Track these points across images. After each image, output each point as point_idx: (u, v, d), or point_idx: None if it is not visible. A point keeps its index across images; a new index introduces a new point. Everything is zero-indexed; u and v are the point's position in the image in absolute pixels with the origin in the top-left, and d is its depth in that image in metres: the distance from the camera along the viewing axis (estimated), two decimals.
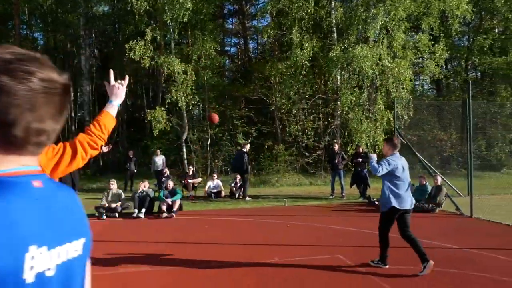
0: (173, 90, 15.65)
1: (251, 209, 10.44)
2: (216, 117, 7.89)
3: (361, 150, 12.74)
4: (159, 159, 15.76)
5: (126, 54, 15.48)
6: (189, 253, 5.93)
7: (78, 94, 26.87)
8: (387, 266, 5.01)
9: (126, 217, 9.25)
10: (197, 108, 19.53)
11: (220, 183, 13.41)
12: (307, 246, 6.24)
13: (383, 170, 4.86)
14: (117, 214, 9.32)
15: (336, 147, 12.97)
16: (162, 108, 15.81)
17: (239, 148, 16.05)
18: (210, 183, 13.30)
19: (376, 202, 11.17)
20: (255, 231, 7.49)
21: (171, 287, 4.49)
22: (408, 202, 4.91)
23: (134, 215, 9.18)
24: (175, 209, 9.39)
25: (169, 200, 9.46)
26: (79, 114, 27.60)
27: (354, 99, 15.51)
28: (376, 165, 4.96)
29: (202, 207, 10.93)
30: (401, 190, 4.87)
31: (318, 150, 18.64)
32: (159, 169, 15.16)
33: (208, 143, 19.17)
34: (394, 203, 4.83)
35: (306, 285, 4.50)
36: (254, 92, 19.45)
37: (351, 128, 15.70)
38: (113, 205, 9.32)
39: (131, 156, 15.88)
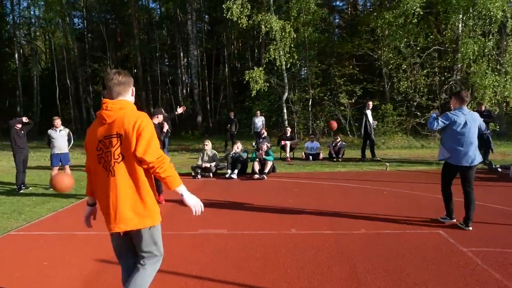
0: (271, 49, 15.21)
1: (348, 173, 9.75)
2: (334, 124, 9.91)
3: (483, 108, 10.85)
4: (259, 120, 15.78)
5: (224, 15, 15.42)
6: (270, 217, 5.66)
7: (189, 59, 28.17)
8: (454, 221, 5.08)
9: (220, 177, 9.41)
10: (298, 67, 18.75)
11: (319, 144, 12.88)
12: (403, 217, 5.46)
13: (437, 125, 4.87)
14: (211, 174, 9.54)
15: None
16: (261, 68, 15.54)
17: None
18: (308, 145, 12.86)
19: (500, 170, 9.54)
20: (346, 197, 6.89)
21: (243, 251, 4.27)
22: (467, 158, 4.79)
23: (227, 175, 9.29)
24: (266, 170, 9.23)
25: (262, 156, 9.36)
26: (189, 78, 29.14)
27: (477, 48, 13.20)
28: (432, 120, 4.95)
29: (297, 169, 10.59)
30: (459, 146, 4.79)
31: (432, 109, 16.63)
32: (258, 130, 15.21)
33: (310, 104, 18.54)
34: (449, 157, 4.90)
35: (395, 262, 3.87)
36: (359, 48, 17.97)
37: (473, 83, 13.52)
38: (208, 165, 9.53)
39: (232, 117, 16.15)
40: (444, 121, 4.82)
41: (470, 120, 4.79)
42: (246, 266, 3.90)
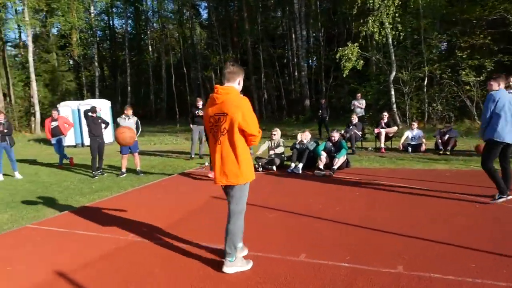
0: (370, 21, 13.02)
1: (445, 172, 7.58)
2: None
3: None
4: (359, 104, 14.01)
5: None
6: (292, 231, 4.42)
7: (297, 40, 27.00)
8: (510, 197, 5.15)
9: (284, 171, 8.26)
10: (406, 39, 15.81)
11: (422, 133, 10.64)
12: (462, 248, 3.65)
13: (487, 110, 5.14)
14: (274, 167, 8.46)
15: None
16: (356, 44, 13.49)
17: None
18: (408, 134, 10.73)
19: None
20: (411, 211, 5.12)
21: (215, 278, 3.23)
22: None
23: (289, 169, 8.09)
24: (335, 166, 7.75)
25: (323, 157, 7.93)
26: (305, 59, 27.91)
27: None
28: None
29: (382, 163, 8.76)
30: (500, 123, 5.00)
31: None
32: (359, 115, 13.51)
33: (425, 83, 15.68)
34: (491, 135, 5.13)
35: None
36: (493, 11, 14.31)
37: None
38: (272, 157, 8.49)
39: (322, 103, 14.65)
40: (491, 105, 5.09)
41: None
42: None
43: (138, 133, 9.25)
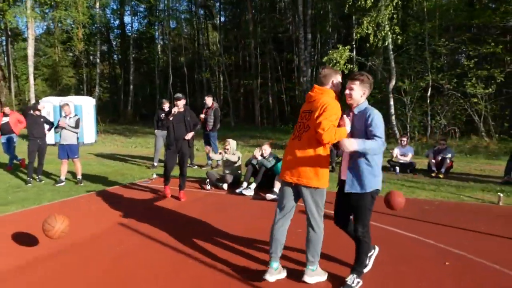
0: (365, 21, 11.55)
1: (427, 203, 6.20)
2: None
3: None
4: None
5: None
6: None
7: (299, 44, 25.62)
8: None
9: (235, 191, 6.96)
10: (409, 45, 14.37)
11: (412, 151, 9.25)
12: None
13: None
14: (225, 186, 7.17)
15: None
16: (347, 47, 12.02)
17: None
18: (396, 150, 9.34)
19: None
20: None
21: None
22: None
23: (238, 190, 6.76)
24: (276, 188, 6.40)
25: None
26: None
27: None
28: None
29: None
30: None
31: None
32: None
33: (428, 94, 14.15)
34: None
35: None
36: (506, 17, 12.75)
37: None
38: (226, 173, 7.25)
39: None
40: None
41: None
42: None
43: (78, 131, 8.00)
